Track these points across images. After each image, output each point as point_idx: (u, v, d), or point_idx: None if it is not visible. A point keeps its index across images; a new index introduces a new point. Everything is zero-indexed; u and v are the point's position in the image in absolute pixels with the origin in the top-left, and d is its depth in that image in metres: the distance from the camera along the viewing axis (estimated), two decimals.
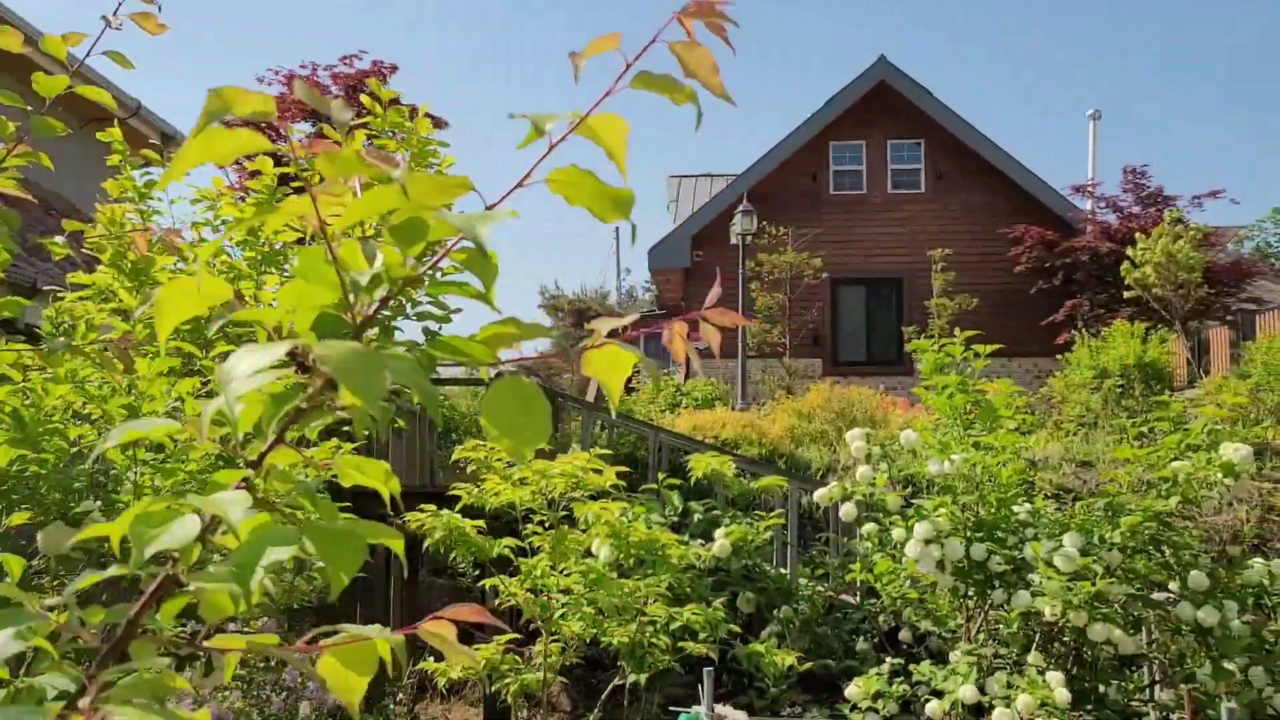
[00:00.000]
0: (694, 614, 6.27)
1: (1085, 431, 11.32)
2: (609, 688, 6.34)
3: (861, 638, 7.52)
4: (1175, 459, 6.54)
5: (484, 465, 5.79)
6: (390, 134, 8.00)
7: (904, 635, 7.14)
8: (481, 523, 5.70)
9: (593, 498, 7.63)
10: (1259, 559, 6.77)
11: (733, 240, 14.90)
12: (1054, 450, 11.39)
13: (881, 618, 7.54)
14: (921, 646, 7.43)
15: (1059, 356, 13.02)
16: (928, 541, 5.95)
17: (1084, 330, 13.84)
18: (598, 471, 5.68)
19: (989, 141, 19.41)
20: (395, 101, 11.51)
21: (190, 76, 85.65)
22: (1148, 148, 77.08)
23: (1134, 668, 7.28)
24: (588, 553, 6.58)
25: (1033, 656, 5.84)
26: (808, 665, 6.66)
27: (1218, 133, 77.34)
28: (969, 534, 6.20)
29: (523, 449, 1.09)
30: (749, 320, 16.02)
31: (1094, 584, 5.69)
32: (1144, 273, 12.70)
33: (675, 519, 7.30)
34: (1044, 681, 5.57)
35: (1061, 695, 5.46)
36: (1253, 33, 76.21)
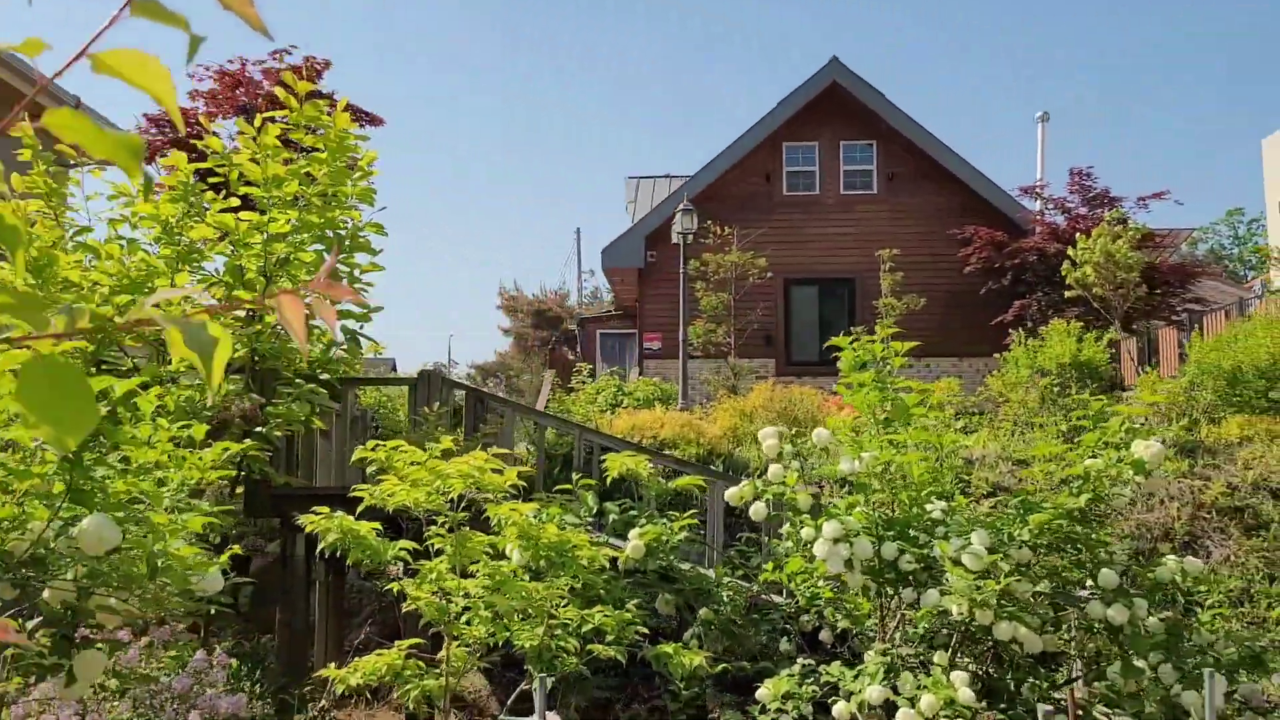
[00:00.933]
0: (604, 616, 6.18)
1: (1021, 430, 11.35)
2: (515, 692, 6.22)
3: (785, 638, 7.45)
4: (1092, 456, 6.54)
5: (385, 466, 5.66)
6: (307, 128, 7.85)
7: (824, 635, 7.08)
8: (378, 524, 5.58)
9: (516, 496, 7.53)
10: (1172, 556, 6.77)
11: (674, 239, 14.84)
12: (992, 449, 11.42)
13: (805, 618, 7.48)
14: (845, 646, 7.38)
15: (1001, 355, 13.05)
16: (836, 540, 5.89)
17: (1026, 330, 13.88)
18: (498, 471, 5.56)
19: (940, 143, 19.48)
20: (317, 95, 11.37)
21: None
22: (1098, 151, 78.09)
23: (1056, 666, 7.28)
24: (501, 555, 6.48)
25: (939, 656, 5.79)
26: (721, 666, 6.59)
27: (1171, 136, 78.41)
28: (880, 532, 6.15)
29: (64, 438, 0.99)
30: (693, 320, 15.99)
31: (998, 581, 5.65)
32: (1084, 272, 12.76)
33: (591, 520, 7.20)
34: (948, 681, 5.52)
35: (965, 694, 5.42)
36: (1207, 38, 77.34)
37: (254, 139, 7.64)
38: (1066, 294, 13.74)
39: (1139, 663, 6.07)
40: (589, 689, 7.34)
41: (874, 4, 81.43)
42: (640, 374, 19.59)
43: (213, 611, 8.02)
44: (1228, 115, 73.06)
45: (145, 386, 7.69)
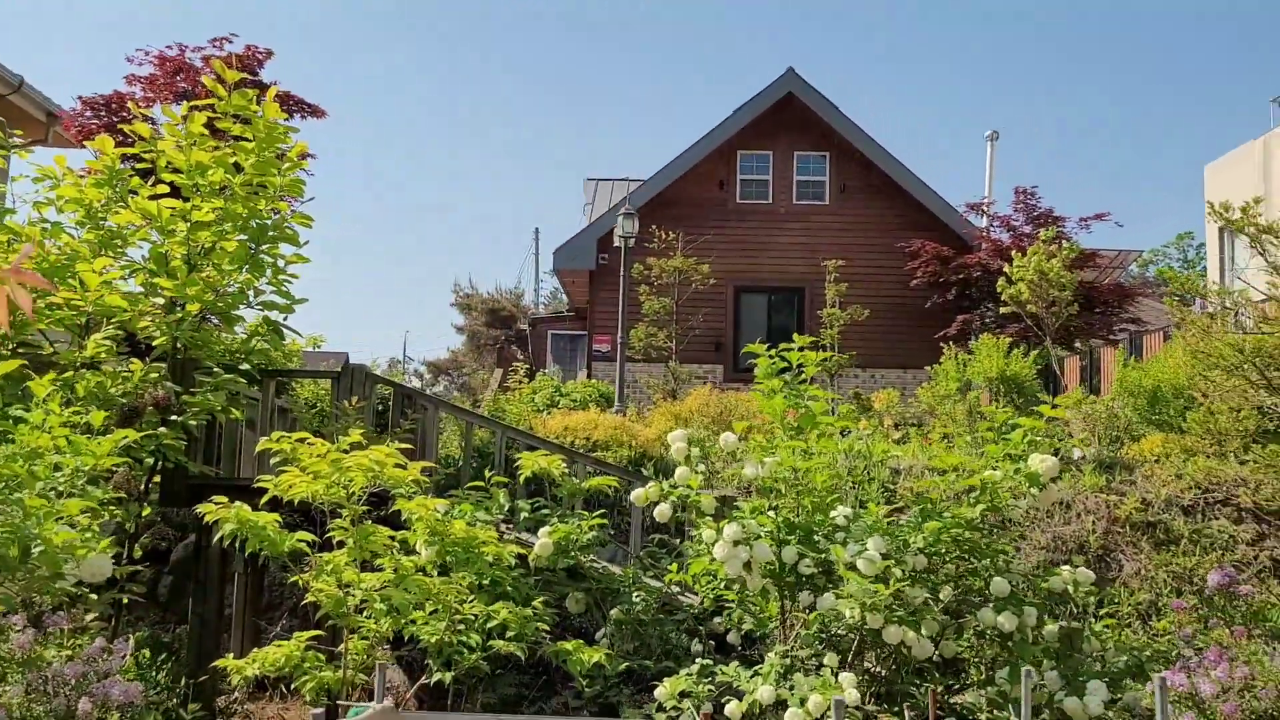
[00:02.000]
0: (508, 613, 6.24)
1: (949, 442, 11.54)
2: (414, 685, 6.26)
3: (695, 639, 7.54)
4: (994, 468, 6.70)
5: (289, 457, 5.69)
6: (235, 117, 7.84)
7: (732, 637, 7.19)
8: (277, 516, 5.60)
9: (432, 492, 7.57)
10: (1066, 568, 6.96)
11: (615, 243, 14.94)
12: (921, 459, 11.61)
13: (717, 619, 7.58)
14: (753, 648, 7.49)
15: (931, 367, 13.28)
16: (736, 543, 6.00)
17: (954, 344, 14.13)
18: (402, 466, 5.61)
19: (892, 157, 19.76)
20: (257, 85, 11.33)
21: (77, 51, 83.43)
22: (1048, 172, 79.45)
23: (959, 671, 7.43)
24: (412, 550, 6.53)
25: (829, 658, 5.92)
26: (625, 665, 6.68)
27: (1123, 160, 79.91)
28: (782, 536, 6.26)
29: None
30: (636, 323, 16.09)
31: (888, 586, 5.78)
32: (1018, 289, 13.01)
33: (503, 517, 7.25)
34: (837, 682, 5.64)
35: (852, 695, 5.54)
36: (1155, 65, 78.87)
37: (181, 126, 7.63)
38: (1002, 310, 14.01)
39: (1025, 668, 6.22)
40: (500, 685, 7.39)
41: (831, 19, 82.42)
42: (589, 375, 19.65)
43: (126, 601, 8.03)
44: (1182, 141, 74.62)
45: (61, 370, 7.67)
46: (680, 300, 16.38)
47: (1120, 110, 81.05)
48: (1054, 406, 7.23)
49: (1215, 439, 6.95)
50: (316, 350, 14.69)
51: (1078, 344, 18.61)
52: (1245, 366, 6.63)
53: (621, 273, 15.16)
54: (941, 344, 18.20)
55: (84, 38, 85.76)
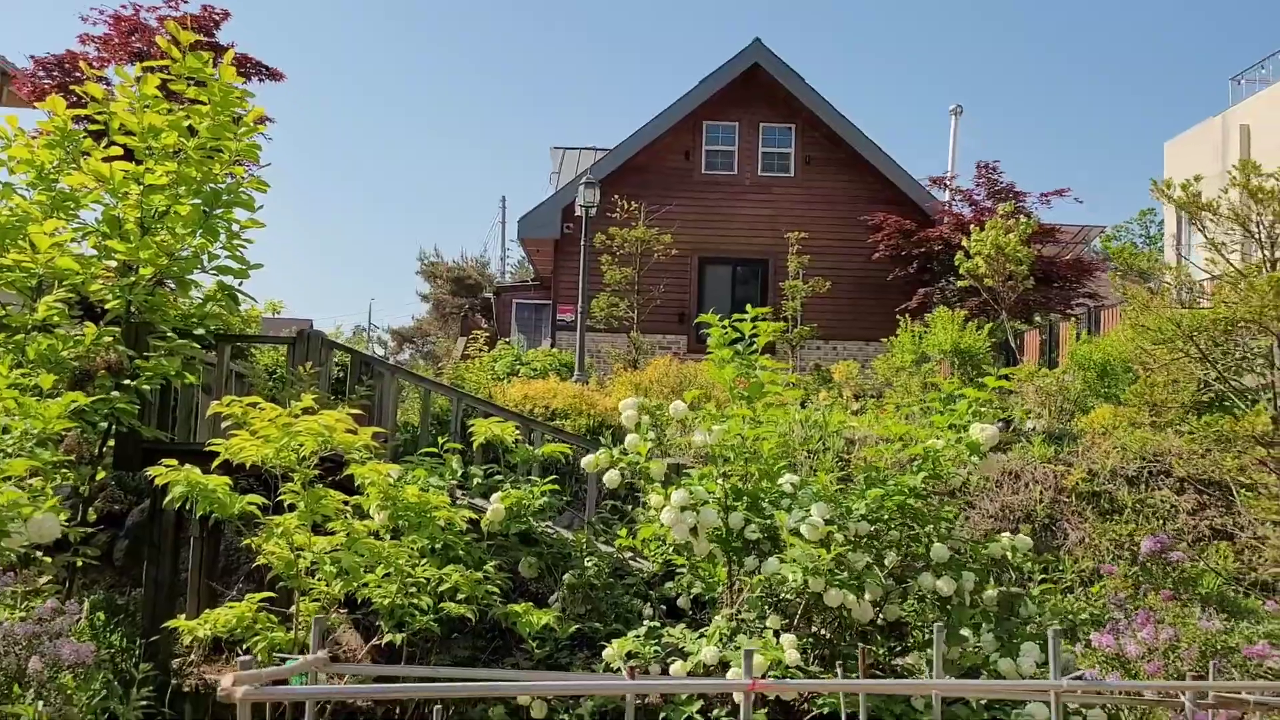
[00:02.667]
0: (460, 576, 6.34)
1: (904, 413, 11.74)
2: (368, 646, 6.36)
3: (646, 603, 7.68)
4: (937, 438, 6.86)
5: (240, 421, 5.72)
6: (190, 80, 7.77)
7: (682, 601, 7.33)
8: (228, 480, 5.65)
9: (386, 457, 7.63)
10: (1006, 534, 7.16)
11: (576, 212, 14.96)
12: (876, 430, 11.81)
13: (669, 584, 7.72)
14: (703, 611, 7.64)
15: (888, 340, 13.46)
16: (683, 509, 6.12)
17: (915, 317, 14.32)
18: (353, 431, 5.67)
19: (857, 130, 19.85)
20: (214, 47, 11.19)
21: (31, 8, 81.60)
22: (1012, 147, 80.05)
23: (903, 634, 7.62)
24: (366, 514, 6.60)
25: (772, 620, 6.07)
26: (574, 627, 6.80)
27: (1088, 135, 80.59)
28: (729, 503, 6.40)
29: None
30: (598, 293, 16.14)
31: (829, 551, 5.93)
32: (975, 263, 13.19)
33: (455, 483, 7.33)
34: (779, 644, 5.80)
35: (791, 656, 5.70)
36: (1119, 43, 79.40)
37: (134, 88, 7.56)
38: (959, 284, 14.20)
39: (964, 631, 6.42)
40: (455, 648, 7.49)
41: None
42: (554, 344, 19.71)
43: (80, 564, 8.04)
44: (1148, 117, 75.32)
45: (12, 333, 7.62)
46: (642, 270, 16.44)
47: (1086, 87, 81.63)
48: (1000, 379, 7.39)
49: (1154, 411, 7.16)
50: (277, 316, 14.64)
51: (1037, 318, 18.89)
52: (1182, 341, 6.81)
53: (582, 243, 15.21)
54: (903, 317, 18.50)
55: None
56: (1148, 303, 6.92)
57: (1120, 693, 5.34)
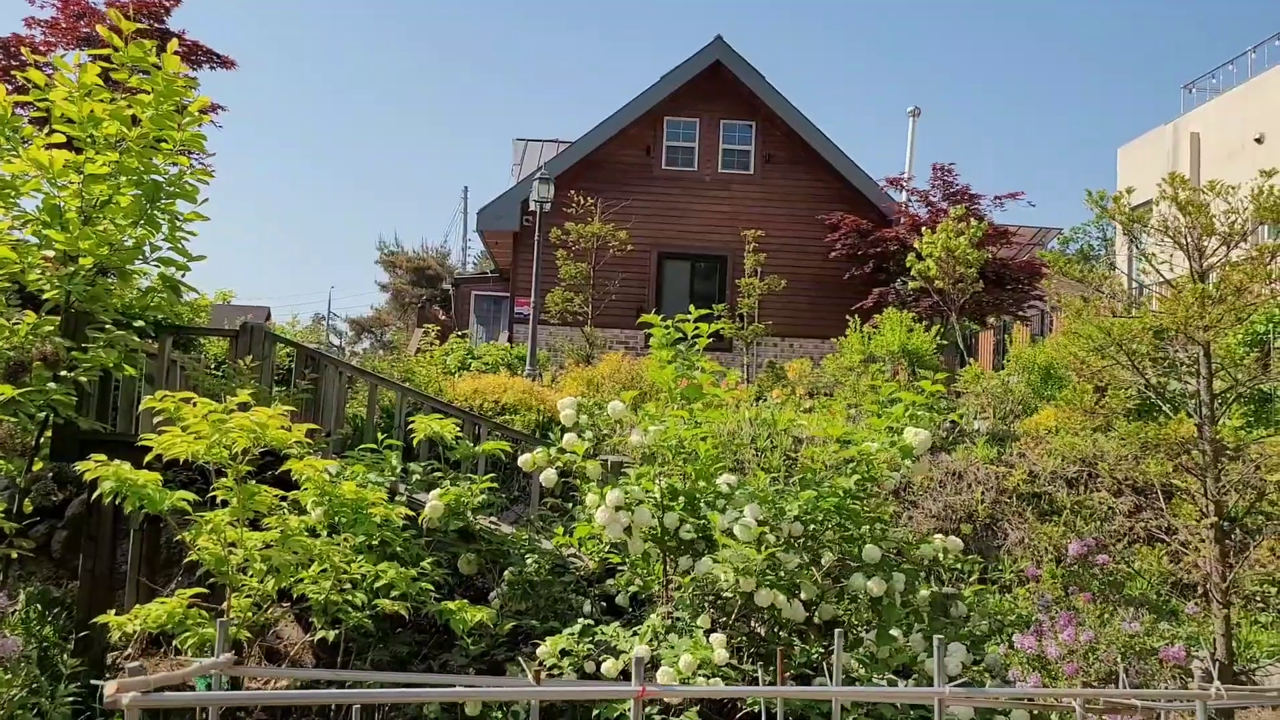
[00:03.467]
0: (395, 572, 6.35)
1: (852, 412, 11.87)
2: (302, 642, 6.36)
3: (588, 600, 7.73)
4: (871, 441, 6.96)
5: (172, 416, 5.70)
6: (132, 68, 7.68)
7: (621, 599, 7.39)
8: (158, 476, 5.62)
9: (342, 452, 7.60)
10: (939, 535, 7.28)
11: (531, 207, 14.96)
12: (821, 430, 11.94)
13: (610, 581, 7.77)
14: (643, 609, 7.70)
15: (836, 340, 13.60)
16: (618, 508, 6.18)
17: (871, 316, 14.47)
18: (286, 428, 5.66)
19: (816, 130, 19.98)
20: (155, 33, 11.05)
21: None
22: (969, 150, 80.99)
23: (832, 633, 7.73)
24: (304, 509, 6.59)
25: (702, 619, 6.15)
26: (510, 624, 6.85)
27: (1047, 139, 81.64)
28: (665, 502, 6.46)
29: None
30: (554, 288, 16.16)
31: (759, 551, 6.01)
32: (926, 265, 13.35)
33: (395, 478, 7.34)
34: (708, 643, 5.88)
35: (720, 655, 5.78)
36: (1077, 49, 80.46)
37: (73, 75, 7.47)
38: (909, 285, 14.37)
39: (894, 631, 6.54)
40: (394, 643, 7.51)
41: None
42: (511, 337, 19.70)
43: (15, 555, 7.95)
44: (1104, 121, 76.42)
45: None
46: (597, 265, 16.47)
47: (1045, 92, 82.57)
48: (937, 383, 7.52)
49: (1085, 415, 7.31)
50: (228, 304, 14.50)
51: (991, 319, 19.14)
52: (1113, 349, 6.96)
53: (536, 238, 15.20)
54: (858, 316, 18.66)
55: None
56: (1080, 310, 7.06)
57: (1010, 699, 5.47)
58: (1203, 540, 6.85)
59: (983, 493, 10.92)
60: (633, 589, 7.12)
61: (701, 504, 6.68)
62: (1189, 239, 7.06)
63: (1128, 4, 78.03)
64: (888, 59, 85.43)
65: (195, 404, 5.73)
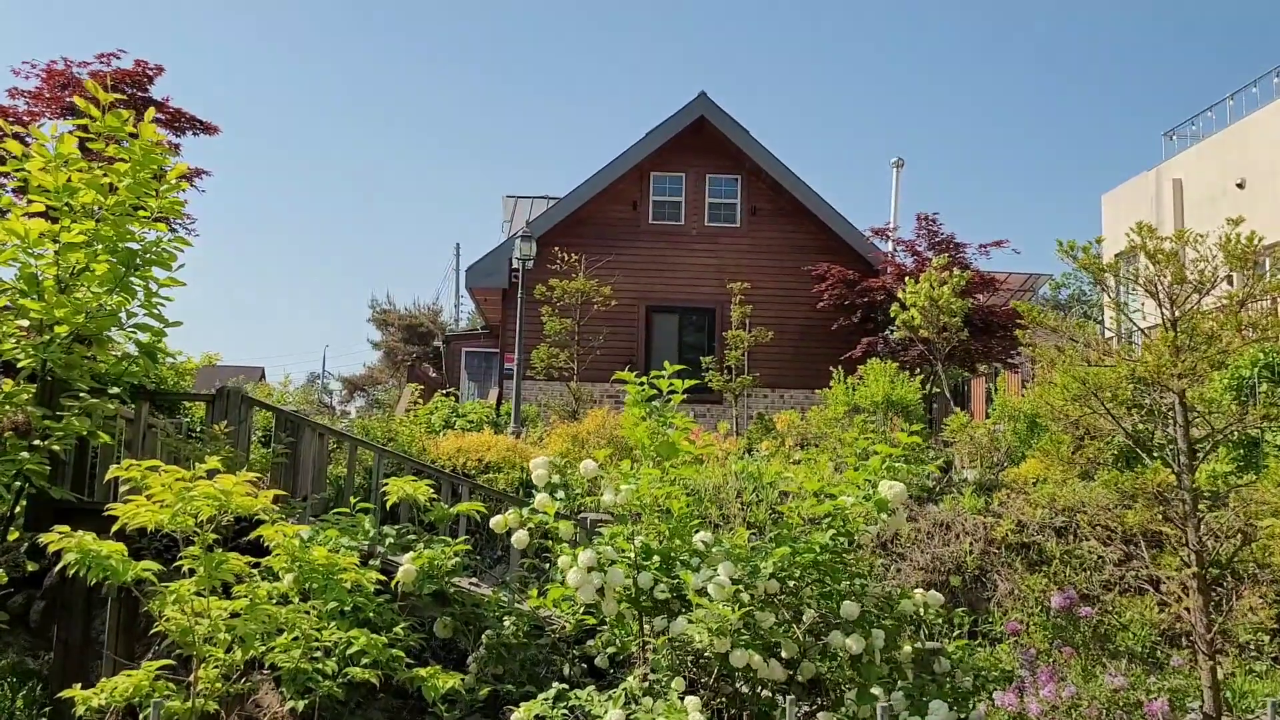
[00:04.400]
0: (367, 639, 6.27)
1: (838, 465, 11.82)
2: (280, 713, 6.25)
3: (568, 663, 7.63)
4: (846, 495, 6.91)
5: (138, 485, 5.66)
6: (108, 138, 7.76)
7: (600, 660, 7.28)
8: (122, 547, 5.57)
9: (322, 514, 7.54)
10: (919, 590, 7.20)
11: (513, 265, 15.03)
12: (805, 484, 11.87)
13: (590, 643, 7.67)
14: (622, 670, 7.59)
15: (821, 391, 13.58)
16: (590, 569, 6.11)
17: (858, 366, 14.47)
18: (252, 495, 5.62)
19: (801, 182, 20.15)
20: (139, 101, 11.18)
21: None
22: (954, 198, 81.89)
23: (824, 690, 7.61)
24: (277, 575, 6.52)
25: (675, 682, 6.05)
26: (486, 690, 6.74)
27: (1032, 187, 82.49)
28: (639, 562, 6.39)
29: None
30: (539, 344, 16.18)
31: (734, 610, 5.93)
32: (911, 315, 13.38)
33: (367, 544, 7.28)
34: (682, 705, 5.78)
35: (695, 718, 5.68)
36: (1054, 96, 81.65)
37: (50, 145, 7.54)
38: (894, 335, 14.39)
39: (876, 690, 6.43)
40: (370, 710, 7.39)
41: (745, 46, 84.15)
42: (501, 393, 19.66)
43: None
44: (1088, 167, 77.27)
45: None
46: (584, 320, 16.51)
47: (1028, 140, 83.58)
48: (913, 434, 7.49)
49: (1064, 465, 7.27)
50: (214, 367, 14.49)
51: (981, 367, 19.15)
52: (1088, 398, 6.95)
53: (519, 296, 15.27)
54: (846, 366, 18.66)
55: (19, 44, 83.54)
56: (1054, 360, 7.06)
57: None
58: (1186, 590, 6.78)
59: (971, 544, 10.83)
60: (611, 650, 7.02)
61: (677, 563, 6.61)
62: (1160, 287, 7.08)
63: (1108, 55, 79.33)
64: (871, 109, 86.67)
65: (163, 472, 5.69)
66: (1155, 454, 7.06)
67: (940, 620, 7.62)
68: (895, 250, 19.68)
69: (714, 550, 6.65)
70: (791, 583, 6.61)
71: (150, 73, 11.94)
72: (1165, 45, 77.18)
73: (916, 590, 7.18)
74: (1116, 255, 19.77)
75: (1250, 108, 19.49)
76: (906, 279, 14.27)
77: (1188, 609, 6.97)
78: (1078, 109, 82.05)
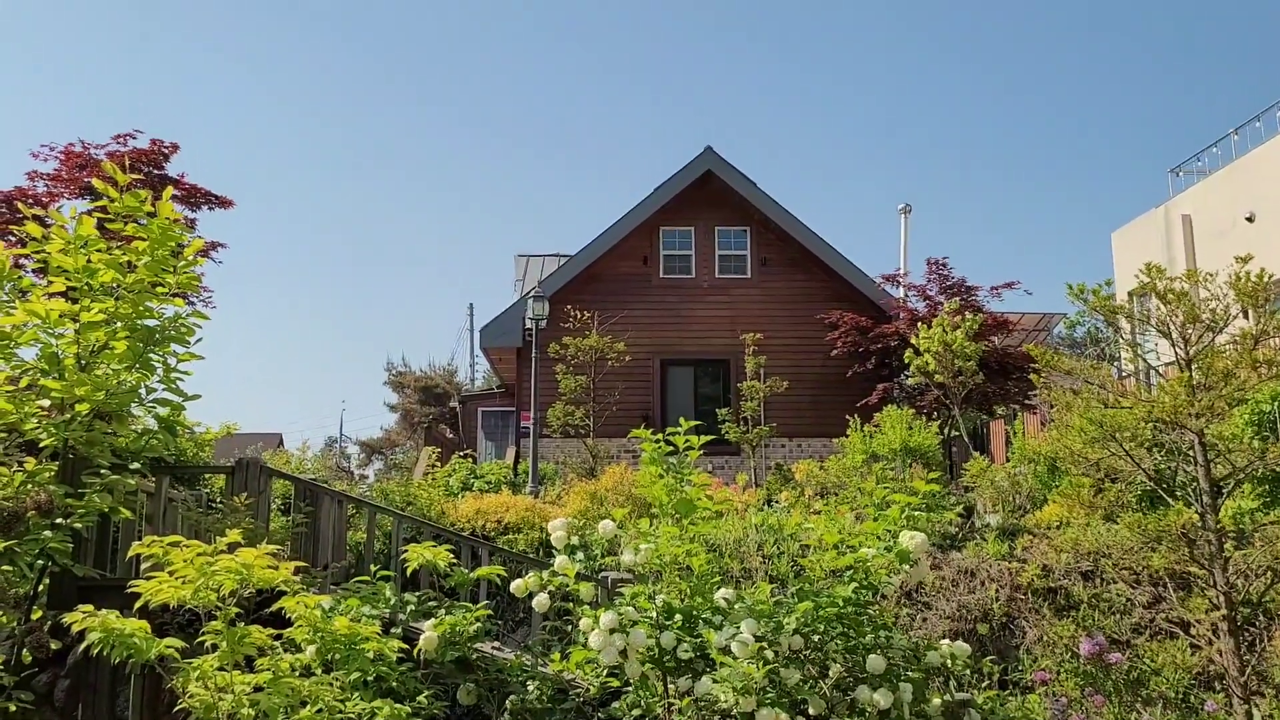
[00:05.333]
0: (390, 710, 6.23)
1: (858, 514, 11.74)
2: None
3: None
4: (867, 546, 6.87)
5: (160, 561, 5.69)
6: (126, 218, 7.93)
7: None
8: (145, 624, 5.59)
9: (343, 582, 7.54)
10: (946, 641, 7.12)
11: (527, 324, 15.14)
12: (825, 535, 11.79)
13: (615, 704, 7.60)
14: None
15: (838, 440, 13.54)
16: (612, 631, 6.08)
17: (875, 412, 14.43)
18: (273, 567, 5.64)
19: (810, 231, 20.30)
20: (155, 179, 11.41)
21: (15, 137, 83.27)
22: (962, 241, 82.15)
23: None
24: (299, 647, 6.51)
25: None
26: None
27: (1042, 226, 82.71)
28: (661, 621, 6.35)
29: None
30: (555, 401, 16.23)
31: (758, 668, 5.88)
32: (925, 360, 13.38)
33: (388, 612, 7.26)
34: None
35: None
36: (1059, 135, 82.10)
37: (69, 227, 7.70)
38: (909, 380, 14.37)
39: None
40: None
41: (750, 97, 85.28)
42: (518, 452, 19.68)
43: (14, 709, 7.85)
44: (1098, 205, 77.53)
45: None
46: (598, 377, 16.57)
47: (1036, 179, 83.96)
48: (931, 480, 7.46)
49: (1086, 508, 7.22)
50: (233, 436, 14.59)
51: (998, 410, 19.05)
52: (1107, 440, 6.92)
53: (533, 354, 15.37)
54: (863, 413, 18.59)
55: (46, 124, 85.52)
56: (1069, 403, 7.05)
57: None
58: (1217, 632, 6.69)
59: (996, 590, 10.70)
60: (636, 712, 6.95)
61: (699, 621, 6.56)
62: (1173, 327, 7.09)
63: (1110, 92, 79.94)
64: (876, 155, 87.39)
65: (184, 546, 5.72)
66: (1178, 494, 7.00)
67: (968, 670, 7.51)
68: (907, 296, 19.73)
69: (736, 607, 6.60)
70: (816, 638, 6.54)
71: (166, 151, 12.21)
72: (1168, 81, 77.78)
73: (943, 640, 7.09)
74: (1130, 293, 19.77)
75: (1255, 142, 19.56)
76: (919, 324, 14.28)
77: (1220, 651, 6.87)
78: (1082, 146, 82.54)
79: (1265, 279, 6.78)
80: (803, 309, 20.14)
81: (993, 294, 18.88)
